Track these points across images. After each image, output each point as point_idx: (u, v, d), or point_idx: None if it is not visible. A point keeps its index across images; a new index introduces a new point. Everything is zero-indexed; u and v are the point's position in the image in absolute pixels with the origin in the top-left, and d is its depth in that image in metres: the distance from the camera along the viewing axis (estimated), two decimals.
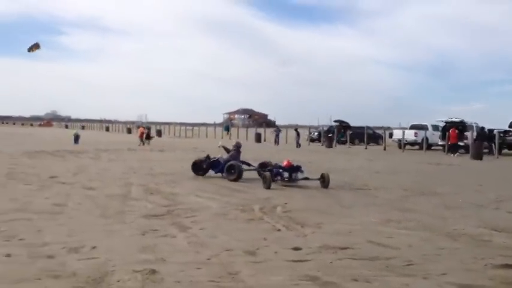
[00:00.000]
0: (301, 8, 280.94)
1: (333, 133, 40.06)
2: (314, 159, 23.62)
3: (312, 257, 6.19)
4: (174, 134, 61.05)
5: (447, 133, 31.14)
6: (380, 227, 8.09)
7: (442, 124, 34.17)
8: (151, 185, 12.79)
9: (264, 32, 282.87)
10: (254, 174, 14.65)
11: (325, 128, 44.17)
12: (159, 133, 56.43)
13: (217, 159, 15.14)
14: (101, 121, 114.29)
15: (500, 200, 11.43)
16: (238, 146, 15.57)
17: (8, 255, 5.97)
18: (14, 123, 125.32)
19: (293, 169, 13.60)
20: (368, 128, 41.44)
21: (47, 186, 12.28)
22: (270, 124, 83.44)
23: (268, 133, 45.68)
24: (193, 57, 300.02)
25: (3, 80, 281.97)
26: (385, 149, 34.65)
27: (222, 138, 50.49)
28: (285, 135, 42.70)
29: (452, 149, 29.95)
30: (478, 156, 26.38)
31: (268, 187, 12.49)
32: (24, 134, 55.49)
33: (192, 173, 15.03)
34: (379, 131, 43.55)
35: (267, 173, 13.02)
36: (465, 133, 31.35)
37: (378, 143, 40.31)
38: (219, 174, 14.79)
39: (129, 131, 68.74)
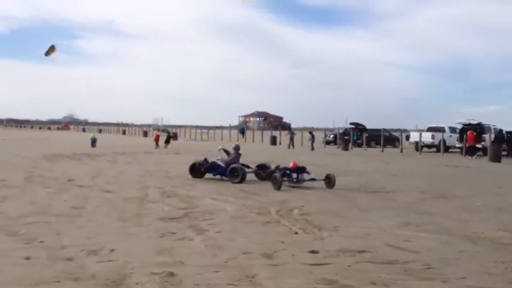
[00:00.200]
0: (314, 10, 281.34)
1: (349, 135, 39.90)
2: (330, 161, 23.55)
3: (329, 260, 6.16)
4: (190, 137, 61.30)
5: (465, 135, 30.85)
6: (398, 230, 8.03)
7: (459, 126, 33.88)
8: (168, 188, 12.85)
9: (278, 35, 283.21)
10: (252, 176, 14.94)
11: (341, 131, 44.01)
12: (175, 136, 56.71)
13: (215, 162, 15.31)
14: (117, 124, 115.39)
15: None
16: (237, 149, 15.73)
17: (28, 258, 6.04)
18: (32, 127, 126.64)
19: (299, 170, 13.87)
20: (384, 130, 41.19)
21: (66, 189, 12.40)
22: (285, 127, 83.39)
23: (283, 136, 45.64)
24: (208, 61, 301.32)
25: (22, 84, 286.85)
26: (402, 151, 34.42)
27: (238, 140, 50.65)
28: (300, 138, 42.62)
29: (470, 151, 29.65)
30: (496, 158, 26.12)
31: (278, 188, 12.74)
32: (42, 137, 56.10)
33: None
34: (396, 133, 43.29)
35: (277, 175, 13.28)
36: (483, 135, 31.05)
37: (394, 146, 40.05)
38: (218, 176, 15.00)
39: (145, 134, 69.17)
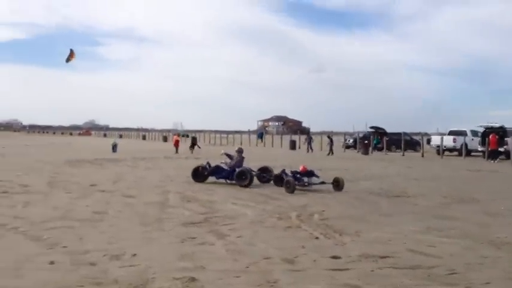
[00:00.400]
0: (333, 13, 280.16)
1: (369, 140, 39.61)
2: (350, 166, 23.43)
3: (351, 265, 6.13)
4: (209, 142, 61.48)
5: (487, 139, 30.44)
6: (420, 235, 7.95)
7: (481, 130, 33.43)
8: (188, 193, 12.91)
9: (297, 38, 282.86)
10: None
11: (361, 135, 43.71)
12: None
13: (218, 166, 15.52)
14: (137, 130, 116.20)
15: None
16: (240, 152, 15.84)
17: (52, 263, 6.12)
18: (54, 133, 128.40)
19: (309, 174, 14.13)
20: (405, 134, 40.81)
21: (88, 194, 12.54)
22: (304, 131, 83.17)
23: (302, 140, 45.51)
24: (227, 65, 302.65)
25: (44, 90, 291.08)
26: (423, 155, 34.08)
27: (257, 145, 50.71)
28: (319, 143, 42.45)
29: (492, 155, 29.25)
30: None
31: (291, 192, 12.98)
32: (64, 143, 56.82)
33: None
34: (417, 137, 42.87)
35: (291, 179, 13.55)
36: (505, 139, 30.56)
37: (415, 150, 39.61)
38: (222, 180, 15.18)
39: (165, 139, 69.55)
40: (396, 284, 5.39)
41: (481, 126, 33.91)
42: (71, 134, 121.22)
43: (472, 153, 33.74)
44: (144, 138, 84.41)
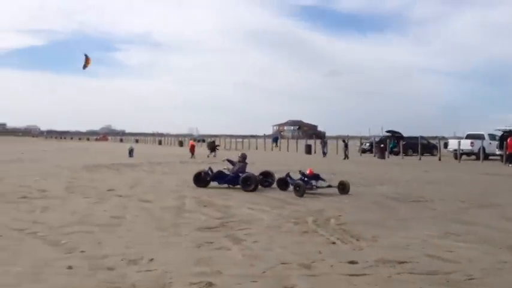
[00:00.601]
0: (349, 17, 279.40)
1: (385, 144, 39.36)
2: (366, 170, 23.31)
3: (369, 271, 6.09)
4: (225, 147, 61.60)
5: (505, 142, 30.06)
6: (438, 241, 7.88)
7: (499, 133, 33.05)
8: (204, 198, 12.94)
9: (312, 43, 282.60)
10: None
11: (377, 139, 43.46)
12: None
13: (221, 171, 15.67)
14: (153, 134, 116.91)
15: None
16: (244, 157, 15.99)
17: (70, 267, 6.17)
18: (71, 138, 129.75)
19: (316, 177, 14.32)
20: (422, 138, 40.50)
21: (105, 199, 12.64)
22: (320, 135, 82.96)
23: (318, 145, 45.36)
24: (242, 70, 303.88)
25: (62, 96, 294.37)
26: (440, 159, 33.80)
27: (272, 150, 50.72)
28: (334, 147, 42.27)
29: (511, 159, 28.87)
30: None
31: (301, 195, 13.12)
32: (82, 148, 57.37)
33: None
34: (434, 141, 42.52)
35: (301, 182, 13.71)
36: None
37: (432, 154, 39.30)
38: (225, 185, 15.27)
39: (181, 144, 69.83)
40: None
41: (499, 130, 33.56)
42: (88, 139, 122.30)
43: (490, 157, 33.39)
44: (160, 143, 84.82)
